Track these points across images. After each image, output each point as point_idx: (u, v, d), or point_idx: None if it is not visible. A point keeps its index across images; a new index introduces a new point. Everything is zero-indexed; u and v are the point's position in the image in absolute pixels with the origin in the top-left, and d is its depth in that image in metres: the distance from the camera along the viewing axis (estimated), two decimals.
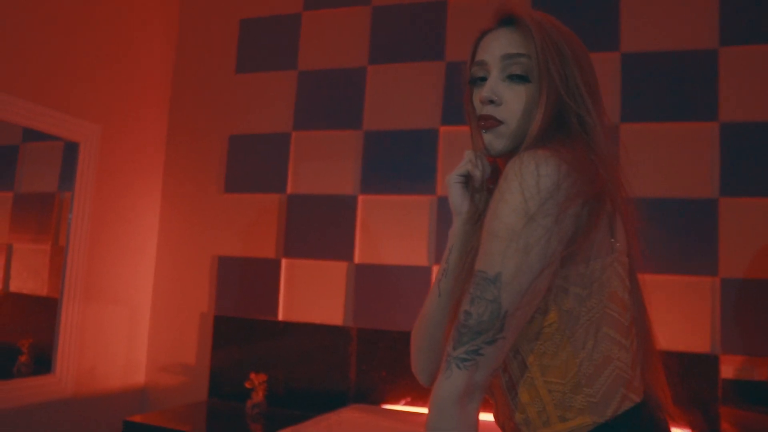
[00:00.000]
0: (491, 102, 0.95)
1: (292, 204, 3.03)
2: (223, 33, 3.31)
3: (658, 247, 2.46)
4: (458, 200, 1.02)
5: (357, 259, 2.90)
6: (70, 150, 2.81)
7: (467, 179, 1.03)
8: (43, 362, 2.71)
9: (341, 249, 2.92)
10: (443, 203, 2.77)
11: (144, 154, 3.22)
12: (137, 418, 2.62)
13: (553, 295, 0.88)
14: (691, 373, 2.39)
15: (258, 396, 2.78)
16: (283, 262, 3.01)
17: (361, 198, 2.93)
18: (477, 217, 0.99)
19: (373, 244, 2.89)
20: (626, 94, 2.59)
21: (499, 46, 0.97)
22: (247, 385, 2.79)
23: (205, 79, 3.33)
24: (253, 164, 3.14)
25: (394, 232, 2.87)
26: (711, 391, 2.37)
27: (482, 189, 1.01)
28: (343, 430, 2.26)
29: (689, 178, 2.51)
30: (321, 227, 2.97)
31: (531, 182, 0.81)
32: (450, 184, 1.03)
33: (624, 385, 0.91)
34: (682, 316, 2.46)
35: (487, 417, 1.03)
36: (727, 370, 2.38)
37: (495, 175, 1.03)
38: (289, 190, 3.05)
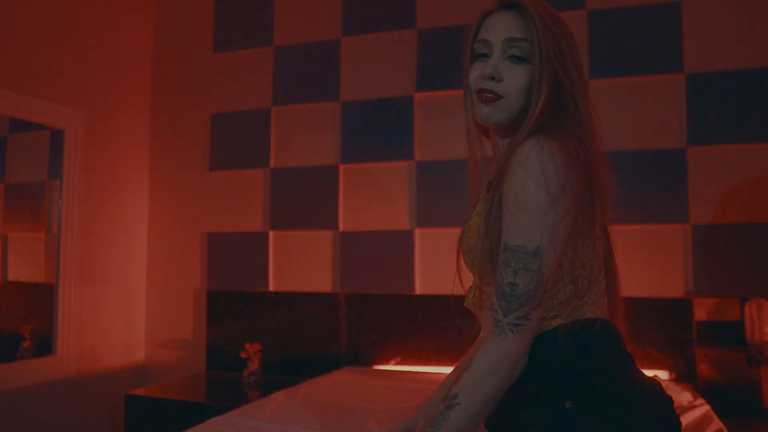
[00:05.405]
0: (492, 78, 1.06)
1: (276, 178, 3.10)
2: (200, 13, 3.34)
3: (631, 198, 2.56)
4: None
5: (341, 227, 2.97)
6: (57, 138, 2.87)
7: None
8: (44, 347, 2.80)
9: (326, 218, 3.00)
10: (421, 168, 2.84)
11: (129, 138, 3.28)
12: (139, 392, 2.71)
13: None
14: (667, 317, 2.48)
15: (254, 365, 2.87)
16: (271, 234, 3.09)
17: (342, 167, 2.99)
18: None
19: (356, 212, 2.96)
20: (594, 50, 2.64)
21: (503, 29, 1.07)
22: (243, 355, 2.88)
23: (184, 60, 3.37)
24: (236, 141, 3.20)
25: (375, 199, 2.94)
26: (686, 333, 2.46)
27: None
28: (332, 390, 2.35)
29: (658, 129, 2.57)
30: (305, 198, 3.05)
31: (550, 167, 0.94)
32: None
33: (590, 305, 1.06)
34: (656, 263, 2.54)
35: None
36: (701, 312, 2.47)
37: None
38: (273, 164, 3.11)
